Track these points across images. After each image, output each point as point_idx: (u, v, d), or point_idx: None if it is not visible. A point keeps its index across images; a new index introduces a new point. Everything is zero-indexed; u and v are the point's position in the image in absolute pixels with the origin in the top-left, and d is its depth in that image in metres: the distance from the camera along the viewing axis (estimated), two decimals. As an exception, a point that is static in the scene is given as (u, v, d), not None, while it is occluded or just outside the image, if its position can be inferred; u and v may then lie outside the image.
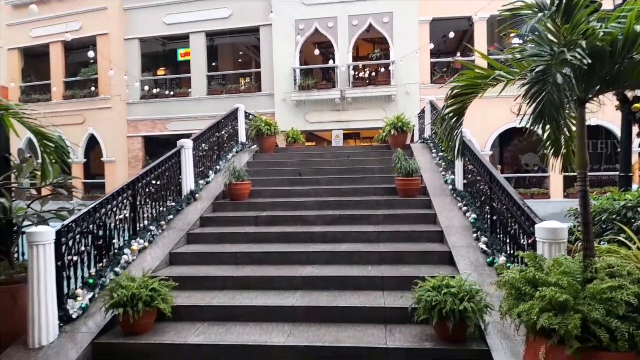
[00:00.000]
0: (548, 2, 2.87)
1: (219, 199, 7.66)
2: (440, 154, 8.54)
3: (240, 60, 22.51)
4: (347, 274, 5.08)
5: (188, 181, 7.37)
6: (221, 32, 18.97)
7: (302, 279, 5.05)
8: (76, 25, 19.14)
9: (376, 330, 4.17)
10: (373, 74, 17.83)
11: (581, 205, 3.05)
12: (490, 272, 4.82)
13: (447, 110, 3.49)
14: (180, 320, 4.42)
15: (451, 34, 16.73)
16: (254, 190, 7.86)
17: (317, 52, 17.24)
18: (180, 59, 20.44)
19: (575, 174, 3.11)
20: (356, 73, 17.62)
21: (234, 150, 9.88)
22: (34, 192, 5.89)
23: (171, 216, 6.61)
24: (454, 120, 3.52)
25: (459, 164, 6.96)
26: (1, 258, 4.57)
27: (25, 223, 4.57)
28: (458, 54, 18.59)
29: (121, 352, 4.06)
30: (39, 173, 5.09)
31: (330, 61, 17.63)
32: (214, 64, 20.37)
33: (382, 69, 17.54)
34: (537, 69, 2.87)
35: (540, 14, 2.89)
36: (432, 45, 16.56)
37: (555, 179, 15.53)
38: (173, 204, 6.87)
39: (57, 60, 20.57)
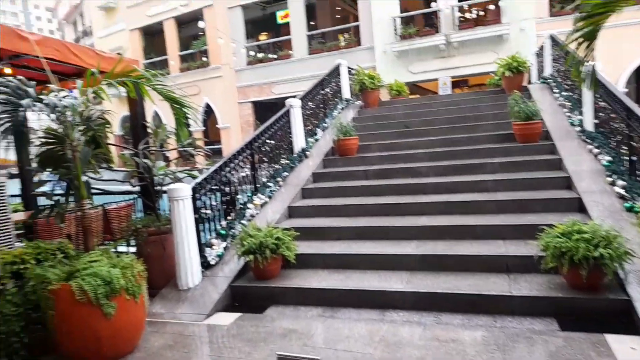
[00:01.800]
0: None
1: (328, 156, 7.86)
2: (564, 93, 7.72)
3: (338, 16, 22.20)
4: (463, 223, 4.95)
5: (298, 139, 7.65)
6: (318, -12, 18.80)
7: (417, 229, 5.05)
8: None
9: (498, 279, 4.05)
10: (481, 13, 16.42)
11: None
12: (629, 217, 4.35)
13: (576, 35, 3.11)
14: (302, 267, 4.72)
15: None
16: (362, 145, 7.90)
17: (418, -3, 16.29)
18: (280, 21, 20.78)
19: None
20: (462, 15, 16.37)
21: (339, 107, 9.96)
22: (168, 156, 6.59)
23: (286, 173, 6.96)
24: (584, 45, 3.13)
25: (588, 101, 6.24)
26: (149, 213, 5.25)
27: (165, 182, 5.15)
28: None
29: (254, 294, 4.49)
30: (169, 138, 5.68)
31: (433, 4, 16.58)
32: (312, 23, 20.38)
33: (492, 7, 16.06)
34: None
35: None
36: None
37: None
38: (287, 161, 7.20)
39: (171, 36, 22.22)
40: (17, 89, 3.32)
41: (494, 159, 6.50)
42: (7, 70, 4.76)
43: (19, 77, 3.51)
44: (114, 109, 5.29)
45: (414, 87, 18.43)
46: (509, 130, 7.08)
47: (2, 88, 3.25)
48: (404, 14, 17.29)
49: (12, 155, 5.70)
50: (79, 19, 33.31)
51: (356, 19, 19.00)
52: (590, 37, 3.23)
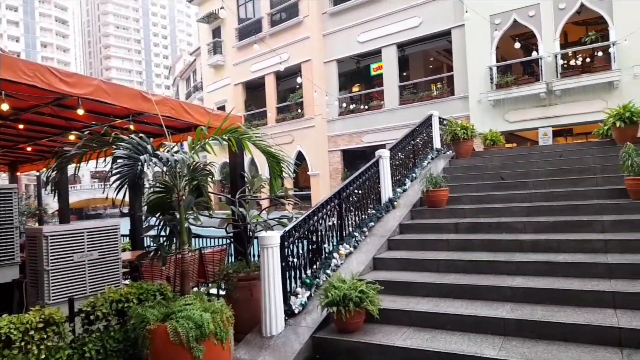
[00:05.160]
0: None
1: (416, 206, 7.72)
2: (689, 145, 6.87)
3: (431, 66, 22.37)
4: (566, 287, 4.51)
5: (386, 189, 7.64)
6: (412, 41, 19.23)
7: (512, 290, 4.69)
8: (285, 56, 21.90)
9: (608, 354, 3.59)
10: (587, 60, 15.49)
11: None
12: None
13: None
14: (386, 323, 4.59)
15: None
16: (452, 197, 7.66)
17: (516, 45, 15.87)
18: (373, 73, 21.44)
19: None
20: (565, 62, 15.58)
21: (429, 157, 9.83)
22: (260, 203, 6.96)
23: (372, 223, 6.94)
24: None
25: None
26: (240, 258, 5.52)
27: (257, 229, 5.42)
28: None
29: (335, 347, 4.43)
30: (264, 187, 6.02)
31: (533, 53, 16.02)
32: (405, 73, 20.72)
33: (600, 53, 15.11)
34: None
35: None
36: (667, 15, 13.55)
37: None
38: (373, 211, 7.20)
39: (270, 89, 23.91)
40: (137, 145, 3.79)
41: (602, 216, 5.91)
42: (131, 127, 5.45)
43: (141, 134, 4.01)
44: (215, 156, 5.79)
45: (511, 136, 17.65)
46: (621, 185, 6.44)
47: (124, 144, 3.73)
48: (501, 63, 16.92)
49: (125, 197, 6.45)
50: (192, 75, 37.39)
51: (450, 68, 18.99)
52: None
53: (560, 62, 15.45)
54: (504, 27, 16.26)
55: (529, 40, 16.63)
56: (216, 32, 27.49)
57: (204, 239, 7.20)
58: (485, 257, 5.55)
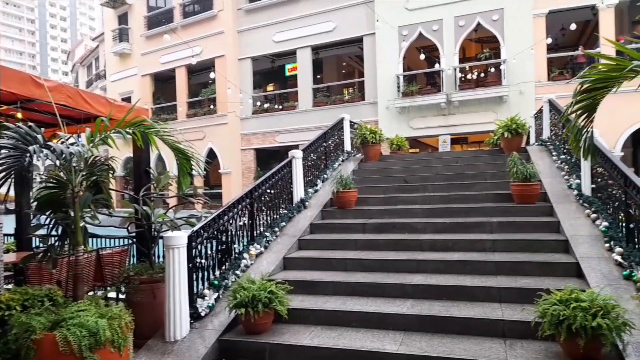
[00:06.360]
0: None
1: (327, 207, 7.88)
2: (562, 156, 7.84)
3: (344, 71, 22.99)
4: (460, 284, 4.89)
5: (298, 190, 7.71)
6: (326, 45, 19.61)
7: (413, 287, 4.98)
8: (198, 49, 21.14)
9: (494, 344, 3.95)
10: (482, 75, 17.00)
11: None
12: (627, 286, 4.30)
13: (576, 106, 3.23)
14: (294, 322, 4.63)
15: (572, 26, 15.27)
16: (361, 198, 7.95)
17: (421, 57, 16.94)
18: (287, 74, 21.50)
19: None
20: (463, 75, 16.94)
21: (340, 159, 10.10)
22: (167, 201, 6.63)
23: (284, 223, 6.96)
24: (583, 117, 3.24)
25: (586, 167, 6.33)
26: (143, 260, 5.21)
27: (162, 229, 5.15)
28: (580, 48, 16.90)
29: (243, 349, 4.36)
30: (171, 184, 5.75)
31: (436, 65, 17.20)
32: (318, 76, 21.08)
33: (492, 69, 16.65)
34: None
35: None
36: (549, 40, 15.32)
37: None
38: (285, 211, 7.22)
39: (181, 83, 22.93)
40: (26, 134, 3.41)
41: (492, 218, 6.51)
42: (19, 115, 4.89)
43: (30, 123, 3.61)
44: (118, 150, 5.40)
45: (415, 142, 18.78)
46: (507, 190, 7.14)
47: (9, 133, 3.34)
48: (407, 73, 17.91)
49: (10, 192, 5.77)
50: (94, 63, 34.55)
51: (361, 74, 19.67)
52: (589, 109, 3.35)
53: (459, 75, 16.76)
54: (410, 38, 17.22)
55: (432, 53, 17.83)
56: (123, 19, 25.71)
57: (103, 239, 6.69)
58: (390, 256, 5.83)
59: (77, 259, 3.68)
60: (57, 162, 3.51)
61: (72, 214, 3.73)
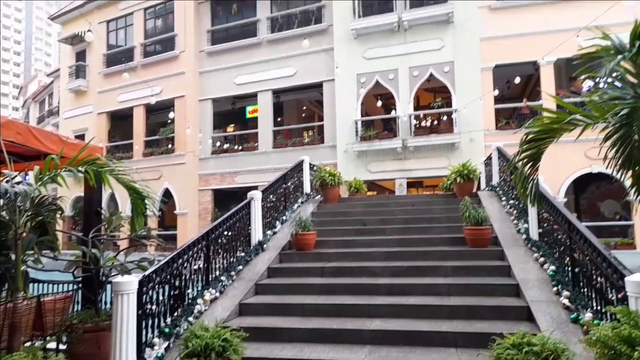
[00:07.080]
0: (627, 44, 2.81)
1: (285, 249, 7.80)
2: (511, 202, 8.20)
3: (304, 114, 23.42)
4: (417, 329, 4.90)
5: (257, 232, 7.61)
6: (287, 89, 20.00)
7: (371, 333, 4.94)
8: (157, 89, 20.99)
9: (451, 391, 3.94)
10: (435, 122, 17.79)
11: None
12: (575, 329, 4.45)
13: (522, 155, 3.44)
14: (250, 372, 4.45)
15: (517, 79, 16.44)
16: (320, 241, 7.93)
17: (379, 103, 17.58)
18: (248, 115, 21.64)
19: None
20: (418, 122, 17.67)
21: (300, 200, 10.12)
22: (118, 243, 6.35)
23: (240, 267, 6.80)
24: (529, 166, 3.45)
25: (533, 212, 6.64)
26: (89, 306, 4.91)
27: (112, 273, 4.90)
28: (524, 100, 18.12)
29: (194, 403, 4.12)
30: (123, 225, 5.53)
31: (392, 112, 17.87)
32: (279, 119, 21.34)
33: (445, 117, 17.47)
34: (621, 112, 2.78)
35: (619, 57, 2.82)
36: (496, 92, 16.34)
37: (643, 227, 14.25)
38: (242, 254, 7.08)
39: (139, 122, 22.53)
40: (-34, 172, 3.23)
41: (446, 262, 6.64)
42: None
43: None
44: (68, 189, 5.18)
45: (372, 184, 19.14)
46: (461, 234, 7.35)
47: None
48: (365, 118, 18.48)
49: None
50: (47, 99, 33.55)
51: (321, 118, 20.08)
52: (535, 158, 3.57)
53: (414, 122, 17.46)
54: (368, 85, 17.89)
55: (388, 100, 18.55)
56: (80, 55, 25.28)
57: (45, 285, 6.25)
58: (348, 300, 5.79)
59: (15, 306, 3.42)
60: (1, 202, 3.32)
61: (13, 257, 3.50)
